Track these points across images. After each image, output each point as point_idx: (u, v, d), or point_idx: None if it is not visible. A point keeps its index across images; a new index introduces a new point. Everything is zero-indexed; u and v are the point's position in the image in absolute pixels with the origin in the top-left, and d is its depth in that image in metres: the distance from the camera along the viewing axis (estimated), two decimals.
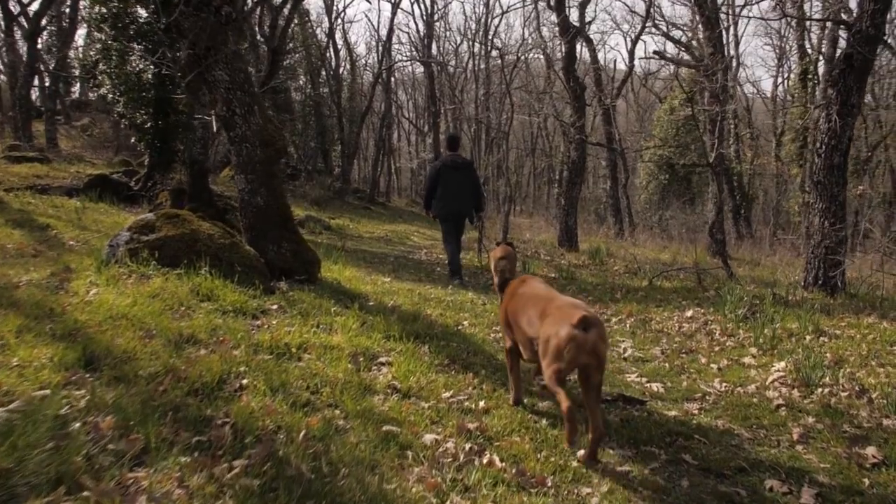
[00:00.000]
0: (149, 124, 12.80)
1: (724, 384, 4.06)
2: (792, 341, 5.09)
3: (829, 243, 7.50)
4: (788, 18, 15.85)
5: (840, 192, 7.51)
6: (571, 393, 2.82)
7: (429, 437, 2.69)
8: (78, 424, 2.14)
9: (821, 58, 23.80)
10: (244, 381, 2.89)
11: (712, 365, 4.50)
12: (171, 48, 6.49)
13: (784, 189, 25.55)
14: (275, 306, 4.54)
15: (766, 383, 4.06)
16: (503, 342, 3.46)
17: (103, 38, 12.42)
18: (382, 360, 3.60)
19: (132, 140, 14.74)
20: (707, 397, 3.81)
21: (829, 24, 21.97)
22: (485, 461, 2.53)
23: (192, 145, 11.67)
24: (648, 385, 3.99)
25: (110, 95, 12.82)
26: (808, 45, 24.67)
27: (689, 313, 6.32)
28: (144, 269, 4.60)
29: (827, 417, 3.36)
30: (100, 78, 13.03)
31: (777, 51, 31.45)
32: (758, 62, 53.81)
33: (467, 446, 2.63)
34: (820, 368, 4.09)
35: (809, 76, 24.05)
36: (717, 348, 5.00)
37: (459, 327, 4.99)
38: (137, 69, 12.12)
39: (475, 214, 7.89)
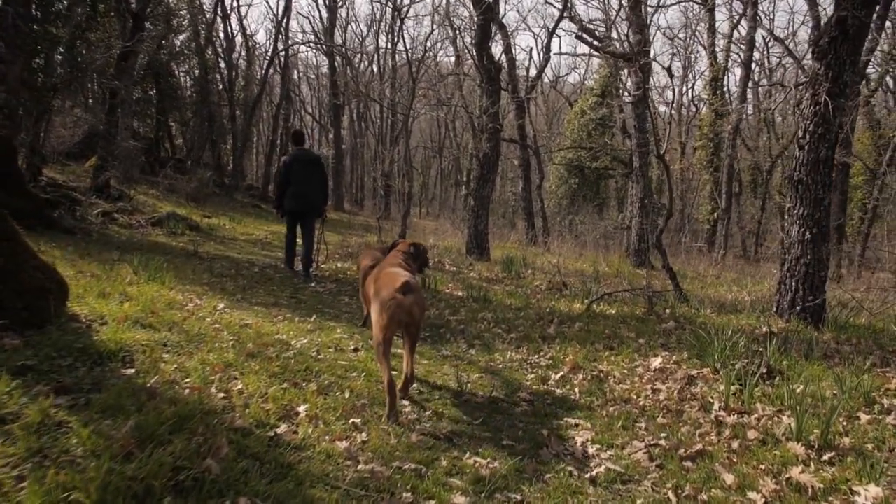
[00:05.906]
0: None
1: None
2: (842, 423, 3.18)
3: (811, 259, 5.85)
4: None
5: (825, 194, 5.85)
6: None
7: None
8: None
9: (732, 64, 23.51)
10: None
11: (750, 494, 2.46)
12: None
13: (695, 197, 25.16)
14: None
15: None
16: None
17: None
18: None
19: None
20: None
21: (742, 26, 21.58)
22: None
23: None
24: None
25: None
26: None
27: (656, 362, 4.34)
28: None
29: None
30: None
31: (683, 61, 31.48)
32: (663, 73, 55.10)
33: None
34: None
35: (719, 83, 23.79)
36: (734, 443, 2.97)
37: (284, 428, 2.57)
38: None
39: (322, 208, 7.94)
